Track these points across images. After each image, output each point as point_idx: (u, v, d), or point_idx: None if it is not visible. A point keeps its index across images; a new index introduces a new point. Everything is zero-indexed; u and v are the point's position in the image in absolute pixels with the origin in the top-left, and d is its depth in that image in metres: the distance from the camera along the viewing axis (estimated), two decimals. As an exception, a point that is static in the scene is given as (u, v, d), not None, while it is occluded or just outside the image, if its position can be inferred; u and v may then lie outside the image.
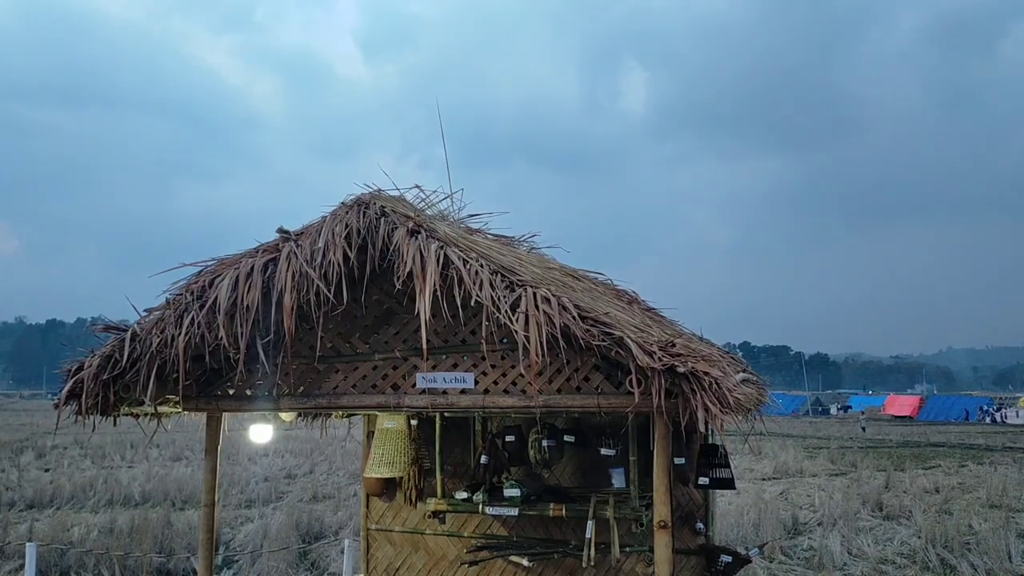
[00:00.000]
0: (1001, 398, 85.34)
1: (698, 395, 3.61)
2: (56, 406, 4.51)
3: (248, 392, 4.93)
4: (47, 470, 23.54)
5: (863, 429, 51.23)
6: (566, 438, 6.12)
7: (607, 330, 3.86)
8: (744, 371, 4.68)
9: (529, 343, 3.88)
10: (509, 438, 6.28)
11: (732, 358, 5.16)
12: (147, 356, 4.34)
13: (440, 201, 5.03)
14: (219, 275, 4.35)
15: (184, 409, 4.93)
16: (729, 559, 5.95)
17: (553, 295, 3.98)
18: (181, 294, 4.42)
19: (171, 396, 4.75)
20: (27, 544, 10.06)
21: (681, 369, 3.64)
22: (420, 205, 4.94)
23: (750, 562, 6.31)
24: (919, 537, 14.75)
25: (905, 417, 74.32)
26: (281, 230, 4.46)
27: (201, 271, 4.48)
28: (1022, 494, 19.70)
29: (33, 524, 14.96)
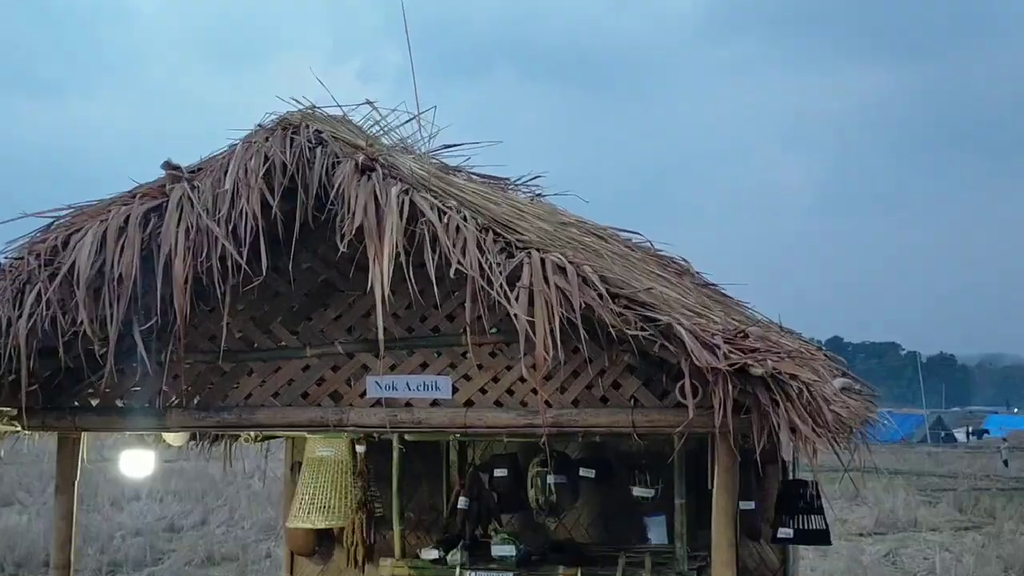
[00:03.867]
0: None
1: (781, 407, 3.63)
2: None
3: (119, 403, 4.92)
4: None
5: (1005, 463, 51.58)
6: (583, 472, 6.15)
7: (649, 313, 3.87)
8: (844, 374, 4.72)
9: (535, 333, 3.89)
10: (500, 472, 6.30)
11: (826, 356, 5.19)
12: (-29, 349, 4.32)
13: (402, 125, 5.03)
14: (77, 231, 4.32)
15: (27, 428, 4.91)
16: (817, 647, 6.03)
17: (570, 262, 3.99)
18: (21, 259, 4.39)
19: (7, 408, 4.73)
20: None
21: (757, 371, 3.66)
22: (373, 131, 4.92)
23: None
24: (1086, 618, 14.94)
25: (1067, 446, 74.89)
26: (169, 165, 4.44)
27: (51, 225, 4.45)
28: None
29: None
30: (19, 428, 4.93)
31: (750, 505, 5.53)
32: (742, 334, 3.90)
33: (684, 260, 5.76)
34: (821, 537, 5.49)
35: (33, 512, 23.29)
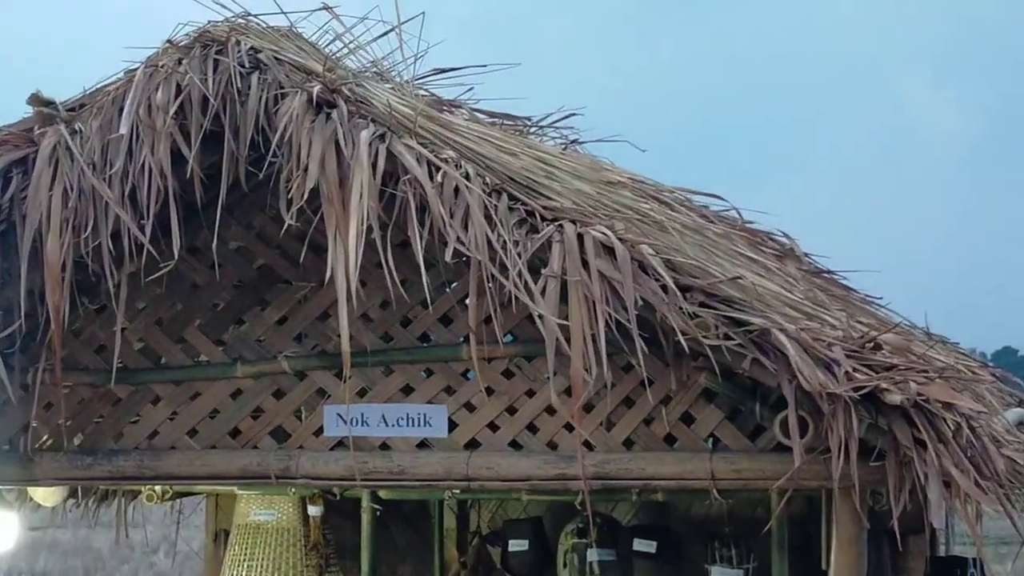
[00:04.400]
0: None
1: (930, 450, 3.62)
2: None
3: (-32, 444, 4.96)
4: None
5: None
6: (639, 546, 6.17)
7: (736, 314, 3.87)
8: (1022, 402, 4.71)
9: (569, 342, 3.89)
10: (518, 545, 6.32)
11: (994, 376, 5.19)
12: None
13: (375, 40, 5.03)
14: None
15: None
16: None
17: (620, 240, 3.98)
18: None
19: None
20: None
21: (896, 398, 3.65)
22: (333, 51, 4.92)
23: None
24: None
25: None
26: (38, 100, 4.45)
27: None
28: None
29: None
30: None
31: (883, 592, 5.54)
32: (872, 345, 3.89)
33: (787, 236, 5.76)
34: (985, 638, 5.50)
35: None
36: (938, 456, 3.65)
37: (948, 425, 3.66)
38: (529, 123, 5.48)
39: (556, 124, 5.63)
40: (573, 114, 5.59)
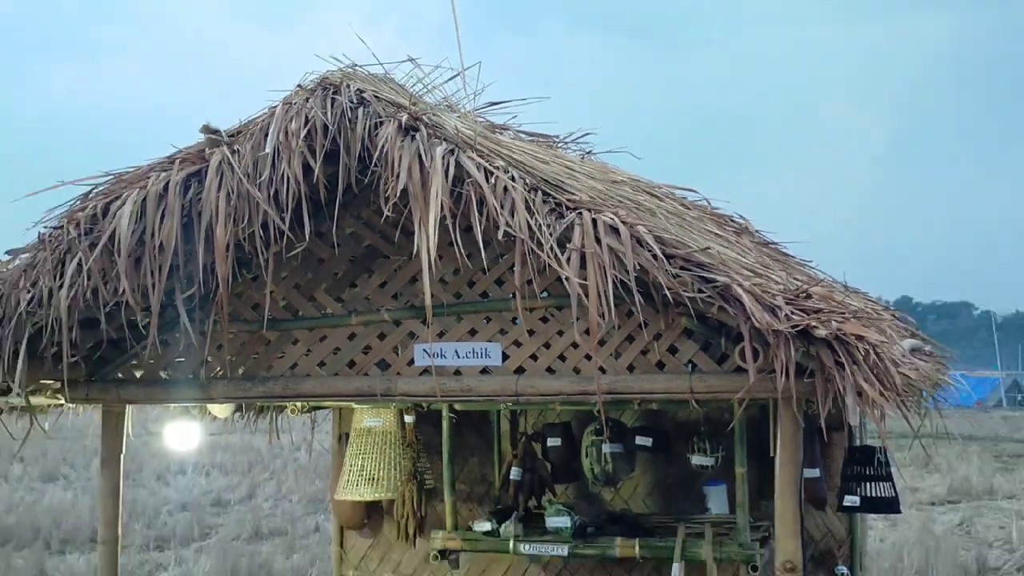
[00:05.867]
0: None
1: (847, 370, 3.61)
2: None
3: (163, 374, 5.01)
4: None
5: (1086, 428, 51.01)
6: (639, 441, 6.17)
7: (706, 274, 3.87)
8: (914, 335, 4.69)
9: (587, 296, 3.90)
10: (553, 442, 6.34)
11: (894, 316, 5.16)
12: (12, 321, 4.40)
13: (446, 82, 5.03)
14: (117, 198, 4.37)
15: (70, 401, 5.00)
16: (887, 620, 6.03)
17: (623, 222, 3.98)
18: (61, 227, 4.44)
19: (49, 381, 4.82)
20: None
21: (821, 332, 3.64)
22: (416, 89, 4.93)
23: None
24: None
25: None
26: (207, 129, 4.47)
27: (90, 193, 4.51)
28: None
29: None
30: (62, 402, 5.03)
31: (815, 473, 5.53)
32: (805, 294, 3.88)
33: (743, 218, 5.74)
34: (889, 505, 5.47)
35: (78, 488, 23.78)
36: (852, 374, 3.64)
37: (859, 352, 3.65)
38: (557, 140, 5.46)
39: (576, 140, 5.61)
40: (588, 133, 5.61)
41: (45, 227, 4.53)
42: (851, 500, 5.46)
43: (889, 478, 5.46)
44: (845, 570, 6.21)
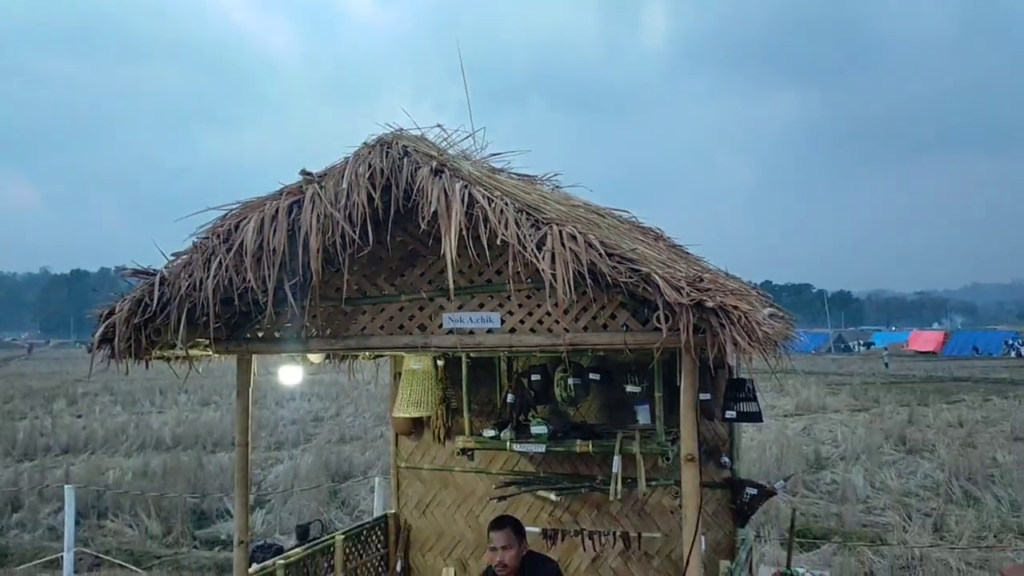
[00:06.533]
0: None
1: (727, 329, 3.61)
2: (89, 350, 4.59)
3: (277, 335, 4.99)
4: (79, 416, 24.14)
5: (886, 365, 51.15)
6: (592, 376, 6.17)
7: (634, 266, 3.86)
8: (771, 305, 4.68)
9: (556, 281, 3.89)
10: (535, 377, 6.34)
11: (759, 293, 5.15)
12: (176, 299, 4.39)
13: (462, 140, 4.99)
14: (244, 218, 4.36)
15: (215, 352, 4.99)
16: (754, 492, 6.04)
17: (579, 232, 3.97)
18: (208, 237, 4.44)
19: (201, 339, 4.81)
20: (65, 487, 10.40)
21: (709, 303, 3.64)
22: (442, 144, 4.89)
23: (774, 495, 6.41)
24: (942, 470, 14.87)
25: (929, 353, 74.05)
26: (304, 172, 4.45)
27: (226, 215, 4.49)
28: (1048, 427, 19.67)
29: (69, 468, 15.44)
30: (210, 352, 5.03)
31: (707, 396, 5.53)
32: (699, 279, 3.87)
33: (659, 229, 5.71)
34: (756, 417, 5.49)
35: (224, 409, 23.83)
36: (730, 331, 3.64)
37: (735, 316, 3.64)
38: (536, 178, 5.42)
39: (549, 178, 5.56)
40: (557, 174, 5.54)
41: (197, 238, 4.53)
42: (730, 413, 5.47)
43: (755, 399, 5.47)
44: (727, 459, 6.22)
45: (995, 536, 10.94)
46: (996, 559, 9.59)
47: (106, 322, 4.54)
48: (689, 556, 4.07)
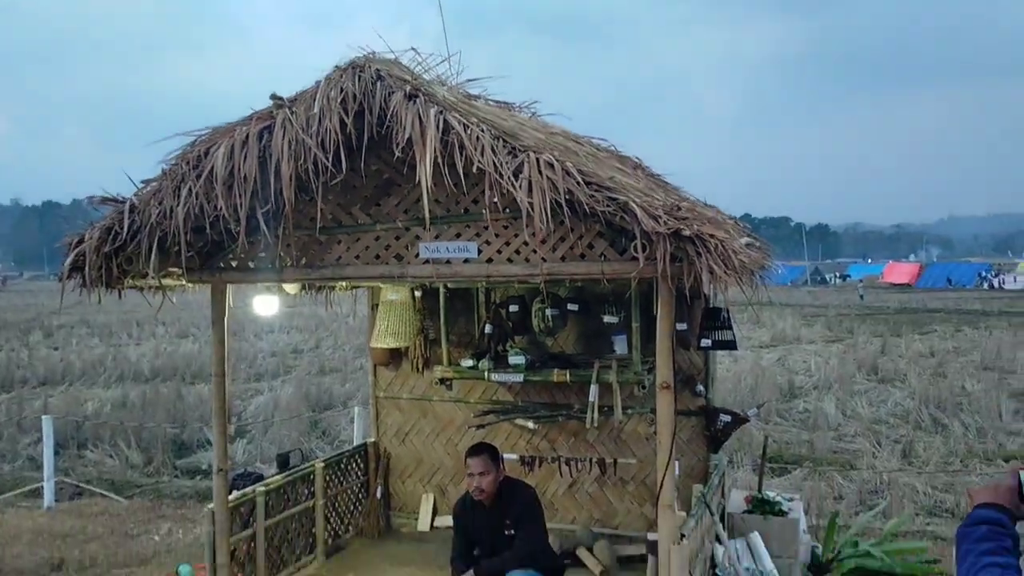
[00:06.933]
0: (1000, 264, 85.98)
1: (703, 258, 3.61)
2: (60, 279, 4.53)
3: (251, 264, 4.94)
4: (56, 348, 24.04)
5: (861, 297, 51.89)
6: (569, 307, 6.20)
7: (612, 195, 3.82)
8: (748, 235, 4.68)
9: (533, 210, 3.84)
10: (513, 307, 6.37)
11: (736, 223, 5.15)
12: (147, 227, 4.31)
13: (437, 65, 4.86)
14: (214, 144, 4.25)
15: (188, 281, 4.94)
16: (728, 419, 6.16)
17: (557, 160, 3.91)
18: (177, 164, 4.33)
19: (174, 268, 4.75)
20: (43, 417, 10.41)
21: (687, 232, 3.63)
22: (417, 69, 4.76)
23: (747, 422, 6.54)
24: (912, 398, 15.25)
25: (903, 285, 75.11)
26: (274, 97, 4.33)
27: (195, 141, 4.37)
28: (1015, 356, 20.18)
29: (47, 400, 15.44)
30: (183, 282, 4.98)
31: (683, 326, 5.59)
32: (677, 208, 3.85)
33: (637, 158, 5.63)
34: (731, 345, 5.55)
35: (202, 341, 23.80)
36: (707, 260, 3.64)
37: (711, 245, 3.64)
38: (513, 105, 5.31)
39: (527, 106, 5.45)
40: (535, 102, 5.38)
41: (166, 164, 4.43)
42: (706, 342, 5.53)
43: (731, 328, 5.52)
44: (702, 388, 6.32)
45: (961, 461, 11.29)
46: (961, 483, 9.92)
47: (76, 250, 4.46)
48: (663, 481, 4.16)
